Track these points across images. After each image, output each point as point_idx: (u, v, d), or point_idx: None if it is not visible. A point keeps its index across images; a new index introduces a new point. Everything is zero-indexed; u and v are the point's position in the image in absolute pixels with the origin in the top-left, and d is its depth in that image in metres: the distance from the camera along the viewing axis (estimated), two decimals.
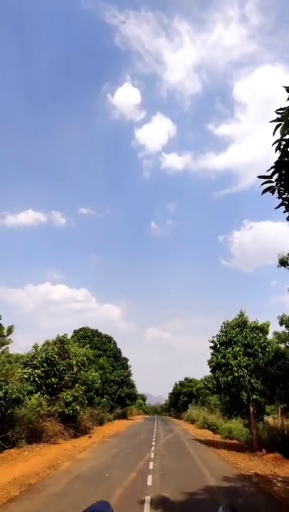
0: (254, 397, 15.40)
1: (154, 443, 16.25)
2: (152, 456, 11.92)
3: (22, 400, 13.09)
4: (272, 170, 4.42)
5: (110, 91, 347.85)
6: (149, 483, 7.79)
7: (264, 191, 4.63)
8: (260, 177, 4.59)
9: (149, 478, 8.28)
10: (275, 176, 4.48)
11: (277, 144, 4.28)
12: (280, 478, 9.21)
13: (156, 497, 6.57)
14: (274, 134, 4.21)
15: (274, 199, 4.77)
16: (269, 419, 20.18)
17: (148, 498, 6.45)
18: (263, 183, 4.65)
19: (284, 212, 4.75)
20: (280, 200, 4.62)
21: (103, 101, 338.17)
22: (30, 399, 14.33)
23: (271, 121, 4.15)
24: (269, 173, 4.47)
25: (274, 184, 4.57)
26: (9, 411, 11.91)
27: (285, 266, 13.53)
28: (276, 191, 4.59)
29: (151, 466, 9.89)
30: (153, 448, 14.25)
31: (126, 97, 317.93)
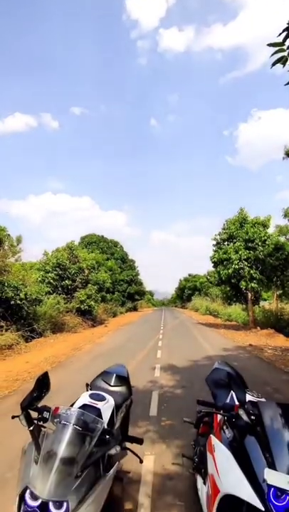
0: (252, 285, 16.75)
1: (162, 327, 18.57)
2: (161, 337, 13.77)
3: (41, 299, 14.52)
4: (285, 33, 3.74)
5: None
6: (159, 356, 9.24)
7: (274, 63, 4.02)
8: (270, 45, 3.89)
9: (159, 352, 9.77)
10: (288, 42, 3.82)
11: None
12: (270, 347, 10.77)
13: (164, 364, 7.89)
14: None
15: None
16: (265, 304, 22.44)
17: (158, 365, 7.76)
18: (273, 54, 4.01)
19: None
20: None
21: None
22: (48, 299, 15.92)
23: None
24: (281, 38, 3.80)
25: (286, 53, 3.94)
26: (31, 309, 13.35)
27: None
28: (288, 62, 3.99)
29: (160, 344, 11.55)
30: (161, 331, 16.35)
31: None
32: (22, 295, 12.47)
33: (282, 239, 17.76)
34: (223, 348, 10.69)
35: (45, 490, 1.38)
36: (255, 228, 17.67)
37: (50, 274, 18.34)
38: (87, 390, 2.67)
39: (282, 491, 1.30)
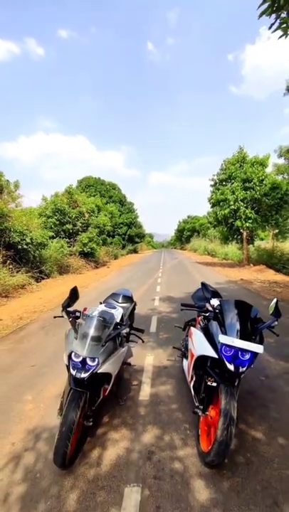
0: (247, 224, 17.39)
1: (161, 267, 19.73)
2: (160, 275, 14.88)
3: (46, 243, 15.33)
4: None
5: None
6: (158, 289, 10.30)
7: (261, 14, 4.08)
8: None
9: (158, 287, 10.84)
10: None
11: None
12: (259, 280, 11.83)
13: (163, 296, 8.94)
14: None
15: None
16: (262, 244, 23.36)
17: (157, 297, 8.81)
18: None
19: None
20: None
21: None
22: (52, 243, 16.76)
23: None
24: None
25: None
26: (37, 252, 14.24)
27: None
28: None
29: (159, 281, 12.64)
30: (161, 270, 17.50)
31: None
32: (28, 239, 13.21)
33: (279, 178, 17.90)
34: (216, 282, 11.74)
35: (83, 351, 2.21)
36: (253, 168, 17.69)
37: (50, 220, 18.92)
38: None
39: (229, 346, 2.12)
